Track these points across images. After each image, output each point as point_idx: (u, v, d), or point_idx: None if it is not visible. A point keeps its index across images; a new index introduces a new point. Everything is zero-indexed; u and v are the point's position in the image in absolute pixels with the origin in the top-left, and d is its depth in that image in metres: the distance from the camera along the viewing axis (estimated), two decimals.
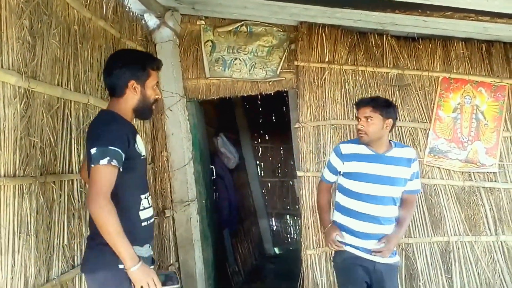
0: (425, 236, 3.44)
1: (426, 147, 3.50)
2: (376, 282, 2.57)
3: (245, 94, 3.85)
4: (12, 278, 1.92)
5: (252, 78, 3.74)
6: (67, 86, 2.43)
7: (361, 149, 2.63)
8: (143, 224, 1.94)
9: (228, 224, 5.37)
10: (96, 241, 1.87)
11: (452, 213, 3.47)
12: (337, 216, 2.71)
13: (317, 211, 3.06)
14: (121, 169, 1.81)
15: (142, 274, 1.77)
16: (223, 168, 5.43)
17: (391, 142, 2.66)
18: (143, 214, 1.95)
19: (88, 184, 1.78)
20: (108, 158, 1.75)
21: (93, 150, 1.76)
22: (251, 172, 6.86)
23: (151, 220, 2.02)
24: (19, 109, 2.00)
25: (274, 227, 7.51)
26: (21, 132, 2.02)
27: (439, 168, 3.51)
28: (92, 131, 1.90)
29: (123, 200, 1.83)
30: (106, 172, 1.76)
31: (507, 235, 3.41)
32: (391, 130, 2.62)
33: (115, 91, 1.96)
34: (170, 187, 3.76)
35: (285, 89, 3.79)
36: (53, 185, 2.25)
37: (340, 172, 2.71)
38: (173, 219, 3.78)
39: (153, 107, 2.06)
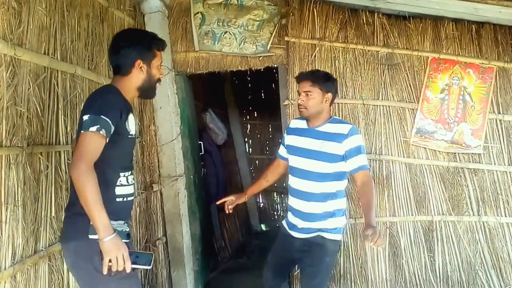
0: (409, 215, 3.49)
1: (413, 127, 3.52)
2: (303, 257, 2.61)
3: (234, 69, 3.80)
4: None
5: (242, 52, 3.70)
6: (54, 55, 2.39)
7: (301, 123, 2.70)
8: (117, 199, 1.94)
9: (216, 200, 5.37)
10: (71, 211, 1.91)
11: (436, 192, 3.52)
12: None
13: None
14: (107, 141, 1.81)
15: (113, 247, 1.74)
16: (211, 144, 5.42)
17: (331, 117, 2.65)
18: (119, 190, 1.95)
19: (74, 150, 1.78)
20: (98, 126, 1.76)
21: (85, 117, 1.78)
22: (239, 148, 6.86)
23: (129, 198, 2.02)
24: (5, 78, 1.97)
25: (261, 204, 7.58)
26: (8, 101, 1.99)
27: (425, 148, 3.54)
28: (87, 101, 1.93)
29: (101, 173, 1.80)
30: (94, 139, 1.76)
31: (489, 216, 3.48)
32: (331, 104, 2.66)
33: (120, 69, 1.99)
34: (158, 162, 3.74)
35: (275, 65, 3.76)
36: (40, 156, 2.23)
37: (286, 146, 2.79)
38: (161, 194, 3.77)
39: (156, 86, 2.10)
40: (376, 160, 3.50)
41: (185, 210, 3.83)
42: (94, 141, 1.76)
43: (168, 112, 3.69)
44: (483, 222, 3.48)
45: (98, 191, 1.72)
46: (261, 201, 7.52)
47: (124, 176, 1.97)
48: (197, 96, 4.69)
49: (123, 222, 1.97)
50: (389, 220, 3.48)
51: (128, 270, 1.77)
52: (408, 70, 3.57)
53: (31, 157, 2.15)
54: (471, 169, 3.52)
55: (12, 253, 1.99)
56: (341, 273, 3.42)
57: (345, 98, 3.53)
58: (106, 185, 1.85)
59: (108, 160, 1.84)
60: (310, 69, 3.50)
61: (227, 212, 2.90)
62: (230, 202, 2.89)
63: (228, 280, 4.58)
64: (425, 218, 3.49)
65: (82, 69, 2.66)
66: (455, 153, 3.53)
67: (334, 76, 3.45)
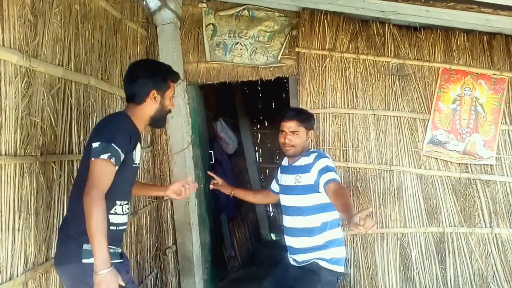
0: (420, 226, 3.47)
1: (424, 137, 3.51)
2: (295, 283, 2.53)
3: (245, 79, 3.82)
4: (12, 255, 1.95)
5: (252, 63, 3.73)
6: (68, 67, 2.44)
7: (286, 161, 2.80)
8: (110, 227, 1.91)
9: (226, 209, 5.40)
10: (63, 233, 1.94)
11: (448, 204, 3.48)
12: None
13: None
14: (116, 168, 1.84)
15: (104, 281, 1.74)
16: (222, 153, 5.44)
17: (308, 151, 2.67)
18: (113, 218, 1.95)
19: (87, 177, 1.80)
20: (108, 154, 1.79)
21: (95, 144, 1.80)
22: (249, 158, 6.87)
23: (121, 228, 2.03)
24: (20, 88, 2.01)
25: (271, 213, 7.56)
26: (22, 111, 2.03)
27: (436, 159, 3.51)
28: (98, 127, 1.97)
29: None
30: (105, 167, 1.80)
31: (501, 228, 3.43)
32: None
33: (134, 98, 2.04)
34: (169, 171, 3.77)
35: (286, 76, 3.78)
36: (53, 165, 2.27)
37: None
38: (171, 203, 3.80)
39: (167, 116, 2.18)
40: (387, 171, 3.49)
41: (195, 219, 3.85)
42: (106, 169, 1.80)
43: (179, 122, 3.72)
44: (495, 234, 3.43)
45: (105, 222, 1.76)
46: (271, 211, 7.50)
47: (120, 205, 1.98)
48: (208, 106, 4.72)
49: (114, 247, 1.97)
50: (400, 231, 3.46)
51: None
52: (419, 80, 3.56)
53: (44, 166, 2.18)
54: (483, 180, 3.49)
55: (24, 261, 2.02)
56: (351, 285, 3.39)
57: (355, 108, 3.54)
58: None
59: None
60: (321, 79, 3.54)
61: (210, 187, 2.98)
62: (217, 182, 2.95)
63: None
64: (437, 230, 3.46)
65: (95, 79, 2.71)
66: (467, 164, 3.50)
67: (344, 86, 3.54)
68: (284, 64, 3.72)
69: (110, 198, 1.90)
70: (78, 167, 2.06)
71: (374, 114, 3.53)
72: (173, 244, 3.80)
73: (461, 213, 3.47)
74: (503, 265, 3.40)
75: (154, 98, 2.03)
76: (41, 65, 2.15)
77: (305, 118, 2.65)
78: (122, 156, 1.86)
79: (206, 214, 4.09)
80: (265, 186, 7.18)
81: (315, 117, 2.80)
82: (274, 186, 2.97)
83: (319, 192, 2.48)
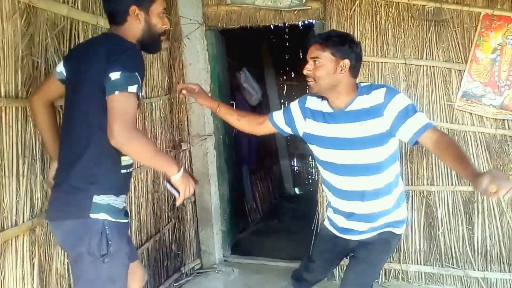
0: (448, 185, 3.29)
1: (459, 90, 3.25)
2: (360, 249, 2.15)
3: (268, 24, 3.59)
4: (17, 201, 1.91)
5: (275, 6, 3.46)
6: (74, 5, 2.29)
7: (321, 105, 2.10)
8: (122, 171, 1.74)
9: (247, 161, 5.33)
10: (67, 182, 1.66)
11: (480, 162, 3.27)
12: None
13: None
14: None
15: (184, 181, 1.69)
16: (245, 105, 5.29)
17: (359, 88, 2.01)
18: (125, 160, 1.74)
19: (110, 113, 1.51)
20: (136, 86, 1.55)
21: (116, 74, 1.52)
22: (274, 110, 6.68)
23: (130, 170, 1.82)
24: (19, 26, 1.89)
25: (296, 168, 7.48)
26: (23, 51, 1.92)
27: (470, 113, 3.27)
28: (109, 52, 1.60)
29: (107, 141, 1.53)
30: (133, 101, 1.55)
31: None
32: (355, 75, 2.00)
33: (115, 18, 1.75)
34: (187, 120, 3.67)
35: (311, 20, 3.53)
36: (60, 110, 2.17)
37: (299, 130, 2.25)
38: (190, 153, 3.73)
39: (161, 38, 1.86)
40: None
41: (213, 170, 3.78)
42: (134, 104, 1.55)
43: (197, 68, 3.57)
44: None
45: (152, 142, 1.72)
46: (295, 165, 7.41)
47: None
48: (231, 54, 4.54)
49: (124, 196, 1.79)
50: (427, 189, 3.30)
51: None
52: (457, 27, 3.25)
53: None
54: None
55: (30, 207, 1.98)
56: None
57: (385, 57, 3.30)
58: (112, 155, 1.66)
59: None
60: (349, 24, 3.30)
61: (179, 95, 2.30)
62: (192, 88, 2.28)
63: (256, 242, 4.55)
64: (466, 189, 3.27)
65: (105, 20, 2.53)
66: (503, 119, 3.24)
67: (374, 33, 3.28)
68: (310, 7, 3.44)
69: None
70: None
71: (405, 63, 3.28)
72: (192, 194, 3.76)
73: None
74: None
75: (137, 15, 1.72)
76: (42, 1, 2.01)
77: (330, 40, 1.93)
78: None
79: (225, 166, 4.01)
80: (289, 141, 7.06)
81: (358, 44, 2.00)
82: (278, 119, 2.35)
83: (393, 137, 1.96)
